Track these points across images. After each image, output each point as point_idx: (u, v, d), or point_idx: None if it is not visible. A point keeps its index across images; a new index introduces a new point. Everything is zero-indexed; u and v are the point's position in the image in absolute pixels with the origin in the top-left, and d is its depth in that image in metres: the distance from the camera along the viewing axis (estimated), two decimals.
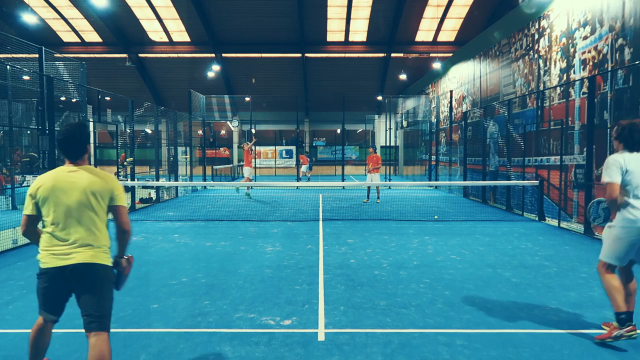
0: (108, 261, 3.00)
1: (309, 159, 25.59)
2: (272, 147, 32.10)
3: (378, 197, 14.26)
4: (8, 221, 8.98)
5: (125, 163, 16.56)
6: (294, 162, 29.97)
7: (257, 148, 28.58)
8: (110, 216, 3.06)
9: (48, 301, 2.91)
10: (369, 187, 14.44)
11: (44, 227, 2.90)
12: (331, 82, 30.29)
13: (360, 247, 7.60)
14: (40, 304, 2.92)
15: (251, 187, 16.05)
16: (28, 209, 2.88)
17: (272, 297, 5.03)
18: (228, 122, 31.36)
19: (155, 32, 27.30)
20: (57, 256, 2.82)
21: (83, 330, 2.96)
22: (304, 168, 24.43)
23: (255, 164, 24.05)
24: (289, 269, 6.20)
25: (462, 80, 17.88)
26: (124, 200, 3.04)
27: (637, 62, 7.77)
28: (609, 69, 8.62)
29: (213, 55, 28.01)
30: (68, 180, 2.85)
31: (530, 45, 11.99)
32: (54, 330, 3.14)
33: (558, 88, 10.48)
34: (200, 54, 28.45)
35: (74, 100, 12.97)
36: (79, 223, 2.86)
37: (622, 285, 3.78)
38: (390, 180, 22.88)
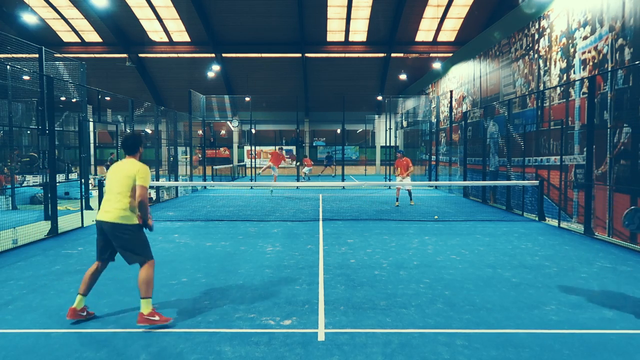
0: (129, 222, 4.25)
1: (312, 162, 25.88)
2: (272, 147, 32.07)
3: (411, 199, 13.69)
4: (8, 221, 8.99)
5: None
6: (294, 162, 29.99)
7: (257, 148, 28.60)
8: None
9: (98, 247, 4.40)
10: (398, 189, 13.86)
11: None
12: (331, 82, 30.30)
13: (360, 247, 7.60)
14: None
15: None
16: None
17: (272, 297, 5.03)
18: (228, 122, 31.34)
19: (155, 32, 27.30)
20: (100, 212, 4.34)
21: (83, 331, 3.03)
22: (306, 169, 24.55)
23: (255, 164, 24.09)
24: (289, 269, 6.19)
25: (462, 80, 17.87)
26: (142, 181, 4.27)
27: (637, 62, 7.77)
28: (609, 69, 8.61)
29: (213, 55, 28.01)
30: (120, 166, 4.41)
31: (530, 45, 11.98)
32: (52, 331, 3.54)
33: (558, 88, 10.48)
34: (200, 54, 28.46)
35: (74, 100, 12.98)
36: (117, 193, 4.27)
37: None
38: (390, 180, 22.87)
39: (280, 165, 18.23)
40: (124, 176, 4.27)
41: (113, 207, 4.23)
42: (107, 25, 26.22)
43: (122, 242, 4.24)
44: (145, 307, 4.12)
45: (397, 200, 13.56)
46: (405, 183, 13.29)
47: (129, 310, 4.60)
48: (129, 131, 13.29)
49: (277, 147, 18.59)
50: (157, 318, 4.14)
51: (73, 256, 6.97)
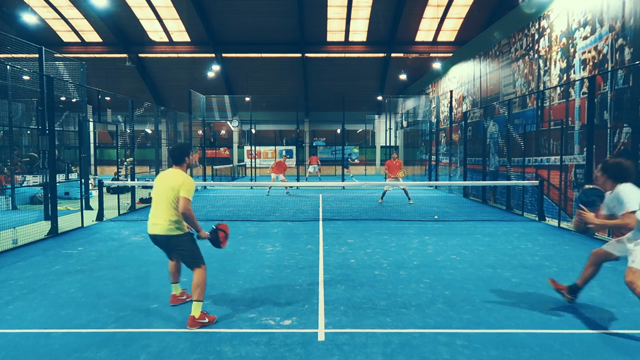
0: (178, 232, 4.37)
1: (319, 160, 25.70)
2: (272, 147, 32.08)
3: (409, 198, 13.83)
4: (8, 221, 8.99)
5: (126, 163, 16.56)
6: (294, 162, 29.95)
7: (257, 148, 28.59)
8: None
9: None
10: (387, 189, 14.19)
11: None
12: (331, 82, 30.29)
13: (360, 247, 7.60)
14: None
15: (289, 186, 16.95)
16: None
17: (272, 297, 5.03)
18: (228, 122, 31.34)
19: (155, 32, 27.30)
20: (149, 225, 4.44)
21: (83, 331, 3.27)
22: (311, 168, 24.44)
23: (255, 164, 24.10)
24: (289, 269, 6.20)
25: (462, 80, 17.87)
26: (185, 192, 4.27)
27: (637, 62, 7.77)
28: (609, 69, 8.62)
29: (213, 55, 28.01)
30: (166, 176, 4.46)
31: (530, 45, 11.98)
32: (52, 331, 3.89)
33: (558, 88, 10.48)
34: (200, 54, 28.45)
35: (74, 100, 12.99)
36: (162, 205, 4.34)
37: None
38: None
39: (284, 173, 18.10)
40: (169, 188, 4.31)
41: (161, 220, 4.33)
42: (107, 25, 26.22)
43: (175, 250, 4.49)
44: (196, 310, 4.20)
45: (381, 198, 14.06)
46: (399, 183, 13.39)
47: (129, 310, 4.60)
48: (128, 131, 13.31)
49: (284, 153, 18.56)
50: (206, 320, 4.24)
51: (73, 256, 6.97)
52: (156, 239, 4.44)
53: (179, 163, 4.54)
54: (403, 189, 14.04)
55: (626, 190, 4.13)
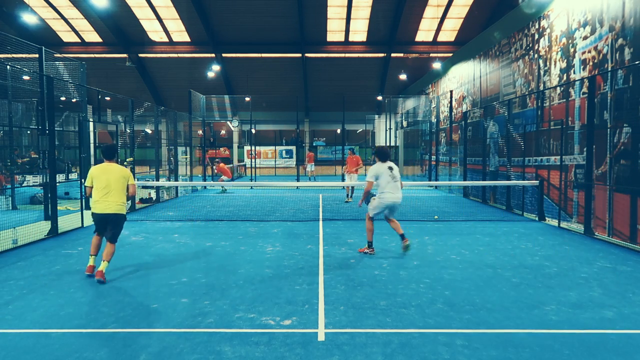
0: (124, 212, 5.88)
1: (313, 156, 25.23)
2: (272, 147, 32.09)
3: (350, 196, 14.13)
4: (8, 221, 8.99)
5: (125, 163, 16.55)
6: (294, 162, 29.94)
7: (257, 148, 28.56)
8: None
9: (98, 228, 5.88)
10: (349, 187, 14.54)
11: (93, 192, 5.80)
12: (331, 82, 30.29)
13: (360, 247, 7.59)
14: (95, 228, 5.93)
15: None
16: (88, 182, 5.79)
17: (272, 297, 5.03)
18: (228, 122, 31.34)
19: (155, 32, 27.30)
20: (102, 206, 5.72)
21: (83, 330, 3.36)
22: (309, 167, 24.16)
23: (255, 164, 24.09)
24: (289, 269, 6.20)
25: (462, 80, 17.87)
26: (133, 180, 5.97)
27: (637, 62, 7.77)
28: (609, 69, 8.61)
29: (213, 55, 28.01)
30: (111, 169, 5.82)
31: (530, 45, 11.98)
32: (52, 331, 3.93)
33: (558, 88, 10.48)
34: (200, 54, 28.45)
35: (74, 100, 12.97)
36: (117, 190, 5.76)
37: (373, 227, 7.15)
38: None
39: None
40: (120, 177, 5.79)
41: (116, 202, 5.73)
42: (107, 25, 26.21)
43: (118, 226, 5.82)
44: (104, 267, 5.57)
45: (349, 197, 14.25)
46: (354, 183, 13.46)
47: (129, 310, 4.60)
48: (128, 131, 13.32)
49: (217, 159, 20.89)
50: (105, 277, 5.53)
51: (73, 256, 6.97)
52: (107, 217, 5.70)
53: (113, 158, 5.97)
54: (352, 186, 14.26)
55: (371, 167, 6.99)
